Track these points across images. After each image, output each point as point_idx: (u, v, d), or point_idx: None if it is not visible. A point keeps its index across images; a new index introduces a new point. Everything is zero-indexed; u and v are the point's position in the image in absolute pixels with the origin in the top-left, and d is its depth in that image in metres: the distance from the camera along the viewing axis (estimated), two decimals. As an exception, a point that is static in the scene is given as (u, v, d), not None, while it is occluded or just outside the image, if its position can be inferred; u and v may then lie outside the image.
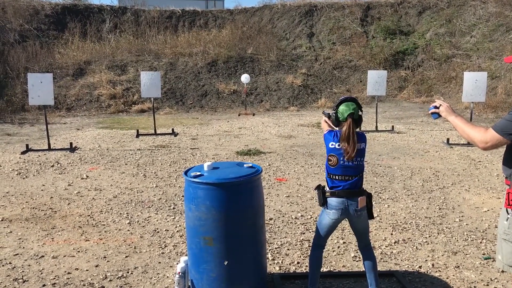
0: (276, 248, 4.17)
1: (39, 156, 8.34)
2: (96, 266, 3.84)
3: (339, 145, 2.89)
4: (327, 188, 2.98)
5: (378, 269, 3.66)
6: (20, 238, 4.47)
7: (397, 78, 17.24)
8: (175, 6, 21.15)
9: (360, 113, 2.99)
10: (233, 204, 3.03)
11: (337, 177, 2.92)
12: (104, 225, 4.83)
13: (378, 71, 11.54)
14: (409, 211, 5.16)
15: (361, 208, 2.93)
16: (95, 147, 9.11)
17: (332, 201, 2.92)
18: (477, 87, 8.87)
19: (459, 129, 2.52)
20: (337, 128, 3.00)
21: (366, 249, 3.12)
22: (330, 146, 2.92)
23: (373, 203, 5.41)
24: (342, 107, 2.94)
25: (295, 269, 3.74)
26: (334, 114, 2.98)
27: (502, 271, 3.33)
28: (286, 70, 17.55)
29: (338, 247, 4.17)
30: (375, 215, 5.01)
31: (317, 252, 3.10)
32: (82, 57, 17.27)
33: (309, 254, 3.23)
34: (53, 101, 9.04)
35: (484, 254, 4.00)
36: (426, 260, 3.88)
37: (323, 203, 2.96)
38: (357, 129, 2.98)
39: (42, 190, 6.19)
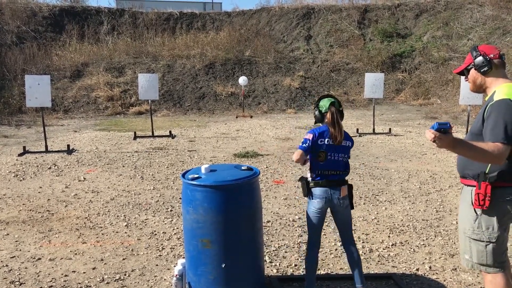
0: (273, 250, 4.17)
1: (36, 158, 8.32)
2: (93, 268, 3.84)
3: (327, 141, 3.01)
4: (310, 179, 3.09)
5: (376, 271, 3.68)
6: (17, 241, 4.46)
7: (395, 80, 17.29)
8: (172, 8, 21.18)
9: (340, 108, 3.13)
10: (230, 206, 3.04)
11: (324, 172, 3.03)
12: (101, 227, 4.82)
13: (375, 73, 11.57)
14: (406, 213, 5.17)
15: (343, 197, 3.05)
16: (92, 149, 9.09)
17: (316, 190, 3.03)
18: (474, 90, 8.87)
19: (471, 154, 2.27)
20: (320, 124, 3.14)
21: (350, 245, 3.16)
22: (319, 142, 3.01)
23: (371, 205, 5.43)
24: (322, 102, 3.12)
25: (293, 271, 3.74)
26: (317, 110, 3.13)
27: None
28: (284, 73, 17.58)
29: (336, 249, 4.17)
30: (372, 217, 5.02)
31: (313, 253, 3.13)
32: (80, 59, 17.25)
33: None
34: (50, 103, 9.02)
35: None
36: (424, 263, 3.89)
37: (307, 193, 3.06)
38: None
39: (39, 192, 6.17)
